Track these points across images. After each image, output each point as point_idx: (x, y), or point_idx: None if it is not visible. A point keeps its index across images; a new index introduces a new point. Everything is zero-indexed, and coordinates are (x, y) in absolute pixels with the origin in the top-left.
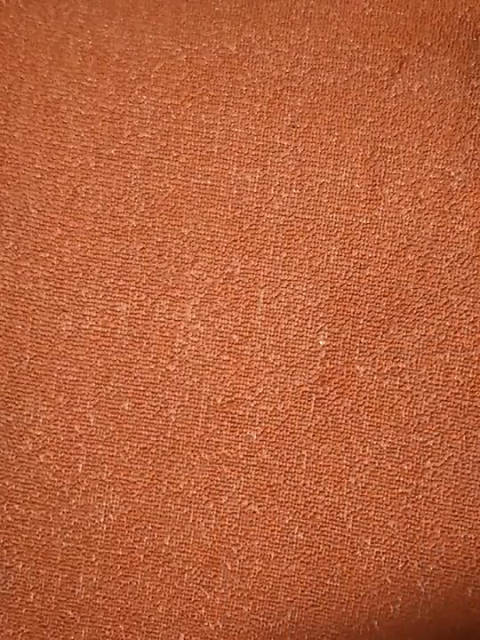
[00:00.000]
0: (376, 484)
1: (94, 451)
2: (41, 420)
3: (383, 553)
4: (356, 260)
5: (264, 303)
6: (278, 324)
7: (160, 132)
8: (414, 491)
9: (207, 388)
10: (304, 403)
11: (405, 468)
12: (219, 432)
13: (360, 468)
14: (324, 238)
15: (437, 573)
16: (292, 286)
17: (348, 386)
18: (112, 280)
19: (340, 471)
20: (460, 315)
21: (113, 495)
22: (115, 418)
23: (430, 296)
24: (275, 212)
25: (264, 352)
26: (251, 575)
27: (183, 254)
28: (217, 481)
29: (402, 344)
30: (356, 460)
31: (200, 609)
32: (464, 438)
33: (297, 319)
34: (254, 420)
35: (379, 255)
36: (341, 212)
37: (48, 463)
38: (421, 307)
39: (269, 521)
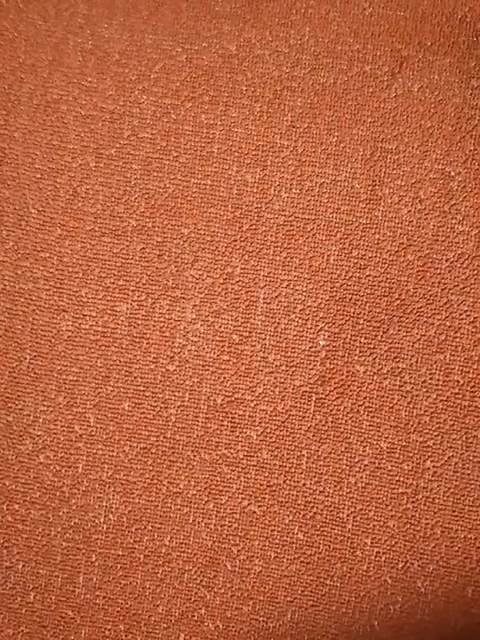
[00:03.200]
0: (376, 484)
1: (94, 451)
2: (41, 420)
3: (383, 553)
4: (356, 260)
5: (264, 303)
6: (278, 324)
7: (160, 132)
8: (414, 491)
9: (207, 388)
10: (304, 403)
11: (405, 467)
12: (219, 432)
13: (360, 467)
14: (323, 238)
15: (437, 573)
16: (291, 286)
17: (348, 386)
18: (112, 280)
19: (340, 471)
20: (460, 315)
21: (113, 495)
22: (115, 418)
23: (430, 296)
24: (275, 212)
25: (264, 352)
26: (251, 575)
27: (183, 254)
28: (217, 481)
29: (402, 344)
30: (356, 460)
31: (200, 609)
32: (464, 438)
33: (297, 319)
34: (254, 420)
35: (379, 255)
36: (341, 211)
37: (48, 463)
38: (421, 307)
39: (269, 521)
